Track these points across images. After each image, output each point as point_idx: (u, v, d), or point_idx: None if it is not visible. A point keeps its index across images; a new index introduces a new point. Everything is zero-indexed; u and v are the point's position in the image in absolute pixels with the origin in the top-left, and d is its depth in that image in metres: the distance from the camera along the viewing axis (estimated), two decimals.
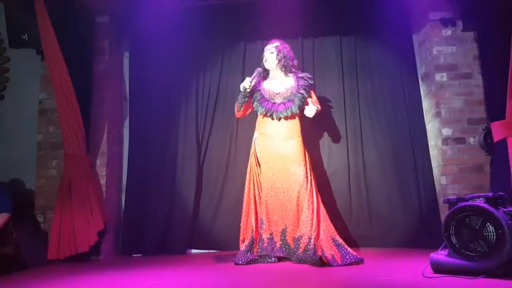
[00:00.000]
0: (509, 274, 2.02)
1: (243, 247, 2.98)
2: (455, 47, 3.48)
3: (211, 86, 3.86)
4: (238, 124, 3.77)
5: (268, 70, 3.19)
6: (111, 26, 3.77)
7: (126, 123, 3.91)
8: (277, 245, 2.96)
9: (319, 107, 3.17)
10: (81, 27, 3.48)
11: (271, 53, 3.15)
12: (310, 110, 3.04)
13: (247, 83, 3.06)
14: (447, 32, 3.50)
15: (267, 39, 3.55)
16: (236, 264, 2.86)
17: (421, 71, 3.76)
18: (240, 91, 3.11)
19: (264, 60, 3.17)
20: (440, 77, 3.47)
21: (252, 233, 2.99)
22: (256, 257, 2.93)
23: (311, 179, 3.01)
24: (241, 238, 3.07)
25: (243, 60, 3.85)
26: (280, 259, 2.95)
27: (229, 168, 3.74)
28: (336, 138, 3.72)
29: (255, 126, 3.22)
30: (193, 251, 3.69)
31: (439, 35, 3.51)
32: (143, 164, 3.76)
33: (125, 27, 3.87)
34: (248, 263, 2.87)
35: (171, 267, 2.86)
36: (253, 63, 3.50)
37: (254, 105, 3.14)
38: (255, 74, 3.13)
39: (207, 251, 3.66)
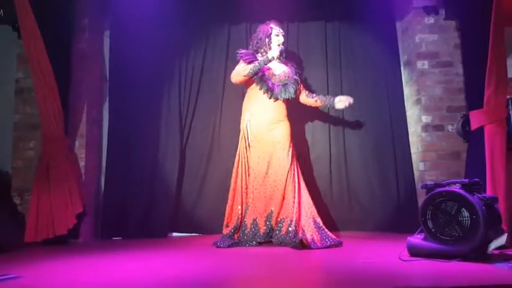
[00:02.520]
0: (481, 258, 2.10)
1: (226, 231, 3.00)
2: (437, 35, 3.51)
3: (195, 67, 3.80)
4: (222, 106, 3.74)
5: (268, 51, 3.14)
6: (92, 3, 3.64)
7: (106, 104, 3.82)
8: (261, 230, 2.98)
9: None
10: (60, 3, 3.35)
11: (283, 36, 3.19)
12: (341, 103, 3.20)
13: (276, 53, 3.08)
14: (430, 20, 3.52)
15: (252, 22, 3.50)
16: (217, 247, 2.87)
17: (403, 58, 3.79)
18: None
19: (281, 43, 3.16)
20: (422, 64, 3.51)
21: (238, 219, 3.01)
22: (237, 241, 2.96)
23: (296, 162, 3.05)
24: (225, 222, 3.08)
25: (227, 43, 3.78)
26: (261, 242, 2.98)
27: (212, 152, 3.71)
28: (318, 123, 3.74)
29: (240, 109, 3.20)
30: (175, 234, 3.69)
31: (421, 22, 3.53)
32: (123, 146, 3.69)
33: (105, 5, 3.74)
34: (229, 246, 2.89)
35: (151, 250, 2.84)
36: (237, 46, 3.45)
37: (256, 80, 3.09)
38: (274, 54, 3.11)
39: (189, 234, 3.66)
